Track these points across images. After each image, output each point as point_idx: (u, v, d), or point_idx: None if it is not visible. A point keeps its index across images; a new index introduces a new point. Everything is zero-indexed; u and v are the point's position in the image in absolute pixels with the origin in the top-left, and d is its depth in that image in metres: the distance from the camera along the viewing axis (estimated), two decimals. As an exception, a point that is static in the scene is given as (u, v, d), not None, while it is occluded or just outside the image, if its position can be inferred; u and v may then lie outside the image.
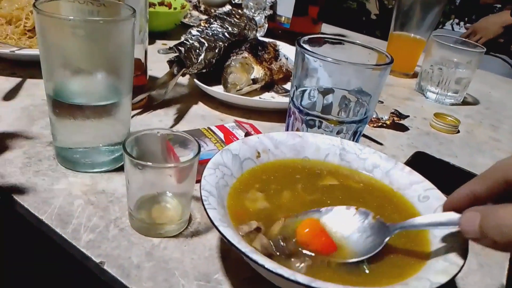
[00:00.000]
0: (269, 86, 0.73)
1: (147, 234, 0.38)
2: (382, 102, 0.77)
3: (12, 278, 0.52)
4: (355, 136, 0.49)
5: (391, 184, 0.41)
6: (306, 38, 0.50)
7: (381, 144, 0.63)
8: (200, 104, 0.65)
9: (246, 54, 0.70)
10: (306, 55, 0.46)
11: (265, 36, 0.97)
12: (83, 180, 0.43)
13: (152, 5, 0.97)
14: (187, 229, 0.39)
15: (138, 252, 0.36)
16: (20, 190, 0.40)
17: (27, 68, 0.64)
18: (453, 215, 0.31)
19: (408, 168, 0.42)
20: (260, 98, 0.68)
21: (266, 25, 1.01)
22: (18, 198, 0.39)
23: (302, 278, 0.26)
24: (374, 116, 0.69)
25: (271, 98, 0.70)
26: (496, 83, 1.09)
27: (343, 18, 2.32)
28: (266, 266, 0.27)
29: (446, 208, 0.32)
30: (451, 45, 0.83)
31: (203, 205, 0.31)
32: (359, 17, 3.22)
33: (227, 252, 0.37)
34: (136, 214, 0.38)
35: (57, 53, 0.40)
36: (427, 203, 0.38)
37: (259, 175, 0.41)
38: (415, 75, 0.96)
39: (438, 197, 0.38)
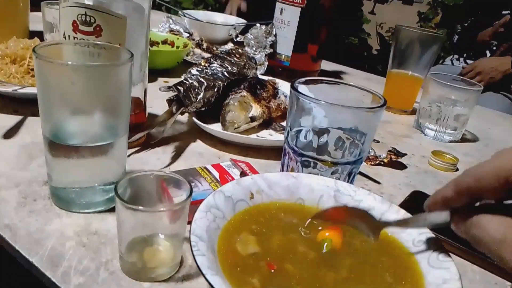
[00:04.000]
0: (267, 123, 0.74)
1: (137, 278, 0.37)
2: (378, 141, 0.77)
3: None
4: (350, 176, 0.49)
5: (386, 228, 0.41)
6: (301, 79, 0.51)
7: (378, 183, 0.62)
8: (198, 141, 0.65)
9: (244, 93, 0.71)
10: (300, 98, 0.47)
11: (265, 73, 0.99)
12: (76, 220, 0.43)
13: (155, 43, 0.99)
14: (178, 272, 0.39)
15: (127, 296, 0.35)
16: (13, 231, 0.40)
17: (29, 105, 0.65)
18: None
19: (403, 211, 0.42)
20: (257, 135, 0.69)
21: (266, 63, 1.03)
22: (10, 239, 0.39)
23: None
24: (371, 154, 0.69)
25: (269, 136, 0.70)
26: (495, 120, 1.09)
27: (345, 54, 2.37)
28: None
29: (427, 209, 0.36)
30: (448, 83, 0.84)
31: (192, 251, 0.31)
32: (361, 53, 3.29)
33: (218, 297, 0.36)
34: (127, 257, 0.38)
35: (55, 96, 0.41)
36: (421, 247, 0.37)
37: (252, 217, 0.40)
38: (413, 112, 0.97)
39: (432, 240, 0.37)
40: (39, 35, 0.89)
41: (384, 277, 0.35)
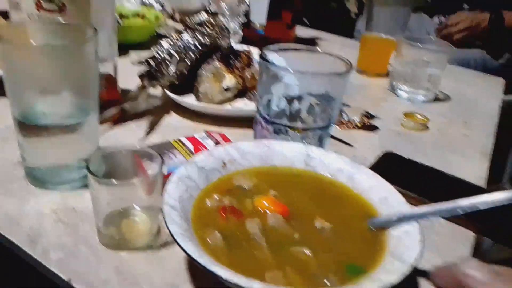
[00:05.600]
0: (242, 93, 0.74)
1: (116, 249, 0.39)
2: (349, 106, 0.78)
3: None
4: (321, 141, 0.50)
5: (354, 188, 0.43)
6: (271, 47, 0.51)
7: (351, 146, 0.64)
8: (173, 114, 0.66)
9: (217, 64, 0.71)
10: (269, 67, 0.47)
11: (241, 43, 0.98)
12: (53, 198, 0.44)
13: (126, 17, 0.97)
14: (156, 241, 0.40)
15: (106, 267, 0.37)
16: (-10, 212, 0.41)
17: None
18: None
19: (371, 172, 0.43)
20: (232, 105, 0.69)
21: (241, 32, 1.02)
22: (-12, 220, 0.40)
23: (257, 285, 0.28)
24: (345, 119, 0.71)
25: (244, 105, 0.71)
26: (468, 79, 1.11)
27: (325, 19, 2.34)
28: (223, 277, 0.28)
29: None
30: (420, 45, 0.85)
31: (164, 220, 0.32)
32: (340, 17, 3.25)
33: (193, 264, 0.38)
34: (104, 230, 0.39)
35: (21, 78, 0.41)
36: (387, 205, 0.39)
37: (225, 184, 0.42)
38: (388, 75, 0.98)
39: (398, 200, 0.39)
40: (4, 14, 0.87)
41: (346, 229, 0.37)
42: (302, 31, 1.24)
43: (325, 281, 0.32)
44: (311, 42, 1.22)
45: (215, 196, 0.39)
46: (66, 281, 0.35)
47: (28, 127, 0.42)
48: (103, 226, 0.39)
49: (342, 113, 0.72)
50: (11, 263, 0.42)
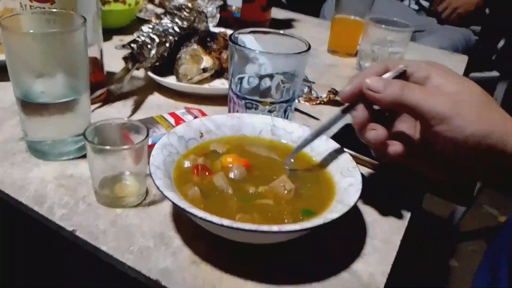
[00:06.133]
0: (219, 73, 0.81)
1: (111, 206, 0.46)
2: (313, 83, 0.85)
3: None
4: (286, 113, 0.58)
5: (311, 151, 0.50)
6: (242, 31, 0.58)
7: (318, 119, 0.72)
8: (156, 94, 0.72)
9: (195, 46, 0.77)
10: (237, 48, 0.54)
11: (218, 26, 1.04)
12: (53, 167, 0.51)
13: (107, 2, 1.02)
14: (145, 200, 0.47)
15: (104, 220, 0.44)
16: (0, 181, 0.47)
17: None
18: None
19: (325, 137, 0.51)
20: (209, 85, 0.76)
21: (218, 15, 1.08)
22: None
23: (226, 222, 0.35)
24: (314, 95, 0.78)
25: (221, 85, 0.77)
26: (434, 57, 1.19)
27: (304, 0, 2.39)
28: (200, 216, 0.36)
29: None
30: (384, 26, 0.92)
31: (151, 176, 0.39)
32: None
33: (178, 216, 0.46)
34: (100, 191, 0.46)
35: (21, 62, 0.47)
36: (337, 162, 0.47)
37: (202, 149, 0.49)
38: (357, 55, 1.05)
39: (345, 158, 0.47)
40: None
41: (304, 185, 0.45)
42: (277, 13, 1.30)
43: (285, 220, 0.40)
44: (285, 24, 1.28)
45: (192, 158, 0.46)
46: (70, 232, 0.42)
47: (29, 105, 0.49)
48: (99, 188, 0.46)
49: (312, 90, 0.79)
50: (19, 222, 0.49)
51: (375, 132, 0.42)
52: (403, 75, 0.43)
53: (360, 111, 0.43)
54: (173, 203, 0.37)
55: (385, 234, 0.47)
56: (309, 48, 0.54)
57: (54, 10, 0.53)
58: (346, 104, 0.45)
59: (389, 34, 0.93)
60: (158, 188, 0.38)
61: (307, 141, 0.48)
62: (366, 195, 0.51)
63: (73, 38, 0.48)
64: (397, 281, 0.48)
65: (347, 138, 0.54)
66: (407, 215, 0.50)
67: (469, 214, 1.69)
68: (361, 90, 0.42)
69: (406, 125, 0.46)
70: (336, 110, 0.50)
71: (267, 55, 0.53)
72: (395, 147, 0.42)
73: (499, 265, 0.76)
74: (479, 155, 0.39)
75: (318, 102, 0.77)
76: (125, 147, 0.45)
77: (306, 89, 0.79)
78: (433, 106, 0.38)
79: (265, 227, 0.36)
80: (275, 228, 0.36)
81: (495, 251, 0.81)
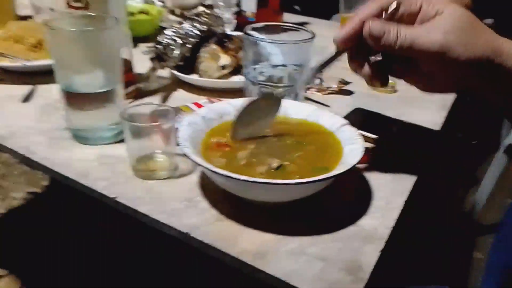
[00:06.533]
0: (237, 71, 0.87)
1: (146, 178, 0.53)
2: (322, 72, 0.90)
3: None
4: (296, 97, 0.64)
5: (319, 123, 0.56)
6: (253, 26, 0.65)
7: (328, 106, 0.77)
8: (180, 90, 0.79)
9: (214, 46, 0.84)
10: (250, 39, 0.61)
11: (234, 30, 1.11)
12: (94, 150, 0.58)
13: (133, 14, 1.11)
14: (175, 174, 0.54)
15: (140, 190, 0.51)
16: (50, 161, 0.55)
17: (36, 77, 0.78)
18: None
19: (331, 114, 0.57)
20: (229, 80, 0.83)
21: (235, 21, 1.16)
22: (49, 165, 0.54)
23: (243, 177, 0.41)
24: (325, 86, 0.84)
25: (238, 80, 0.84)
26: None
27: (315, 5, 2.45)
28: (221, 173, 0.42)
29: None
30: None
31: (179, 145, 0.46)
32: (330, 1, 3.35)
33: (204, 184, 0.52)
34: (136, 166, 0.53)
35: (64, 58, 0.55)
36: (344, 133, 0.53)
37: (223, 129, 0.55)
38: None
39: (350, 129, 0.53)
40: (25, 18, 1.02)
41: (314, 148, 0.51)
42: (290, 17, 1.37)
43: (297, 176, 0.46)
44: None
45: (216, 137, 0.53)
46: (112, 199, 0.49)
47: (72, 96, 0.57)
48: (135, 164, 0.53)
49: (322, 82, 0.85)
50: (67, 195, 0.56)
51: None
52: (397, 11, 0.46)
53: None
54: (198, 164, 0.43)
55: (389, 197, 0.52)
56: (314, 36, 0.61)
57: (90, 14, 0.62)
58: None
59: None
60: (185, 154, 0.45)
61: (313, 71, 0.54)
62: (371, 165, 0.57)
63: (108, 35, 0.56)
64: (423, 276, 0.53)
65: (357, 120, 0.59)
66: (411, 181, 0.55)
67: (489, 207, 1.70)
68: (356, 34, 0.46)
69: None
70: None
71: (276, 44, 0.60)
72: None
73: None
74: (476, 74, 0.43)
75: (329, 92, 0.83)
76: (154, 123, 0.52)
77: (317, 81, 0.85)
78: (427, 47, 0.42)
79: (282, 181, 0.42)
80: (288, 181, 0.42)
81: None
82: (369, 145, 0.63)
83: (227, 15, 1.18)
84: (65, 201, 0.58)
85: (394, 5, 0.45)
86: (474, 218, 1.67)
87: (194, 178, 0.53)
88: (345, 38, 0.47)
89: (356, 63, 0.49)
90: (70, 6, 0.65)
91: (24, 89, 0.76)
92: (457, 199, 1.73)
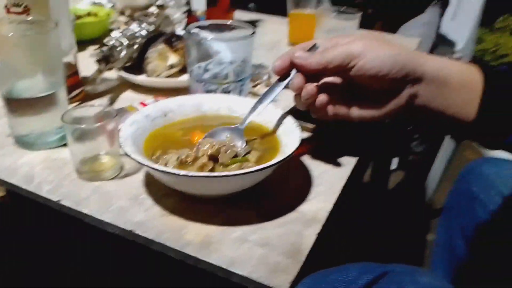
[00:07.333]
0: (186, 69, 0.88)
1: (91, 180, 0.53)
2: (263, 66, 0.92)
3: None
4: (241, 92, 0.66)
5: (264, 120, 0.58)
6: (196, 24, 0.67)
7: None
8: (128, 91, 0.80)
9: (162, 45, 0.85)
10: (190, 38, 0.62)
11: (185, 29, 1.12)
12: (39, 155, 0.58)
13: (80, 17, 1.10)
14: (120, 174, 0.55)
15: (85, 190, 0.51)
16: (-8, 168, 0.55)
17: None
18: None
19: (273, 107, 0.59)
20: (178, 80, 0.84)
21: (185, 20, 1.16)
22: (-8, 173, 0.54)
23: (183, 172, 0.43)
24: (273, 81, 0.86)
25: (186, 79, 0.85)
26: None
27: (271, 2, 2.48)
28: (160, 169, 0.43)
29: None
30: (334, 14, 1.01)
31: (121, 145, 0.47)
32: None
33: (149, 182, 0.53)
34: (81, 169, 0.54)
35: (4, 64, 0.55)
36: (283, 125, 0.55)
37: (166, 130, 0.57)
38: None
39: (288, 120, 0.55)
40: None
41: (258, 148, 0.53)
42: (241, 15, 1.39)
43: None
44: (250, 24, 1.36)
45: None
46: (56, 202, 0.49)
47: (14, 101, 0.56)
48: (80, 166, 0.54)
49: (270, 77, 0.87)
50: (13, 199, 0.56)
51: (305, 89, 0.51)
52: (316, 48, 0.55)
53: (296, 79, 0.52)
54: (138, 162, 0.44)
55: (329, 183, 0.55)
56: (253, 33, 0.63)
57: (30, 18, 0.61)
58: None
59: (339, 22, 1.02)
60: (127, 154, 0.46)
61: (254, 108, 0.56)
62: (312, 154, 0.59)
63: (47, 39, 0.55)
64: (381, 257, 0.56)
65: (299, 111, 0.62)
66: (350, 166, 0.58)
67: (440, 191, 1.78)
68: (291, 64, 0.52)
69: (331, 78, 0.55)
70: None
71: (222, 42, 0.62)
72: (321, 97, 0.51)
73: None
74: (398, 76, 0.48)
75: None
76: (96, 125, 0.52)
77: (265, 76, 0.87)
78: (350, 50, 0.49)
79: (219, 173, 0.44)
80: (225, 173, 0.44)
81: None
82: (308, 134, 0.66)
83: (178, 14, 1.19)
84: (21, 209, 0.58)
85: (312, 44, 0.55)
86: (426, 202, 1.76)
87: (140, 176, 0.54)
88: (281, 67, 0.54)
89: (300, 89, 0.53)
90: (10, 12, 0.64)
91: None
92: (410, 185, 1.81)
